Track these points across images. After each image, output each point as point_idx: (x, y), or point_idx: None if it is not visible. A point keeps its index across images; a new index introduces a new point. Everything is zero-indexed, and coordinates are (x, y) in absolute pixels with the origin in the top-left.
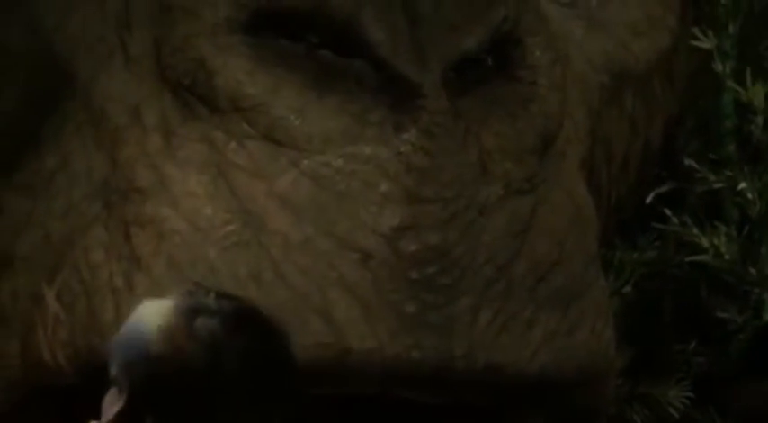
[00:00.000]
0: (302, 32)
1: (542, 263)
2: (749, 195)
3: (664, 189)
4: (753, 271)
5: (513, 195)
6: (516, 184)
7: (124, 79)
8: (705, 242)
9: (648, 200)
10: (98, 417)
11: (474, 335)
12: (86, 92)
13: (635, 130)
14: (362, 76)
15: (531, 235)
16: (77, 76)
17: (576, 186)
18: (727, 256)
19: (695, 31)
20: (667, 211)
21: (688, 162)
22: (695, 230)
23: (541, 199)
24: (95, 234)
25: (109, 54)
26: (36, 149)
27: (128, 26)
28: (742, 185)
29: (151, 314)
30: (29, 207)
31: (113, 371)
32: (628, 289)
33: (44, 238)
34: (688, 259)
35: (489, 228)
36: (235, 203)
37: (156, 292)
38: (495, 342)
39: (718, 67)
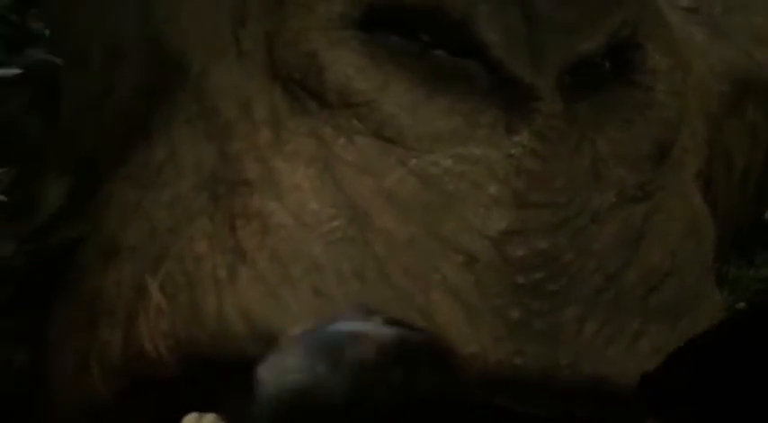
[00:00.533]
0: (415, 30)
1: (654, 273)
2: None
3: None
4: None
5: (627, 203)
6: (630, 192)
7: (236, 73)
8: None
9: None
10: (197, 408)
11: (580, 344)
12: (198, 84)
13: (756, 141)
14: (475, 76)
15: (643, 244)
16: (190, 68)
17: (692, 196)
18: None
19: None
20: None
21: None
22: None
23: (655, 207)
24: (201, 225)
25: (222, 47)
26: (146, 140)
27: (241, 20)
28: None
29: (302, 341)
30: (137, 197)
31: (253, 400)
32: (742, 305)
33: (150, 229)
34: None
35: (600, 235)
36: (341, 199)
37: (259, 285)
38: (600, 353)
39: None
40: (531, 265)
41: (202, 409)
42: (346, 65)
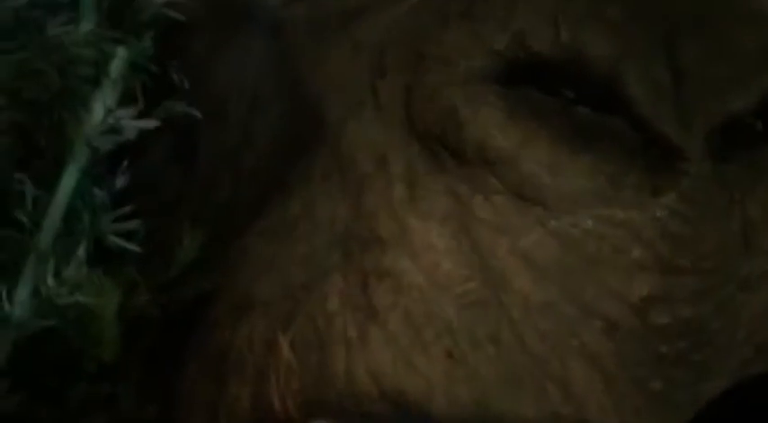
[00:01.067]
0: (558, 86)
1: None
2: None
3: None
4: None
5: None
6: None
7: (373, 126)
8: None
9: None
10: None
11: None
12: (335, 137)
13: None
14: (620, 135)
15: None
16: (327, 121)
17: None
18: None
19: None
20: None
21: None
22: None
23: None
24: (333, 282)
25: (360, 99)
26: (282, 194)
27: (381, 72)
28: None
29: None
30: (271, 252)
31: None
32: None
33: (283, 285)
34: None
35: (750, 304)
36: (476, 259)
37: (390, 347)
38: None
39: None
40: (675, 333)
41: None
42: (486, 121)
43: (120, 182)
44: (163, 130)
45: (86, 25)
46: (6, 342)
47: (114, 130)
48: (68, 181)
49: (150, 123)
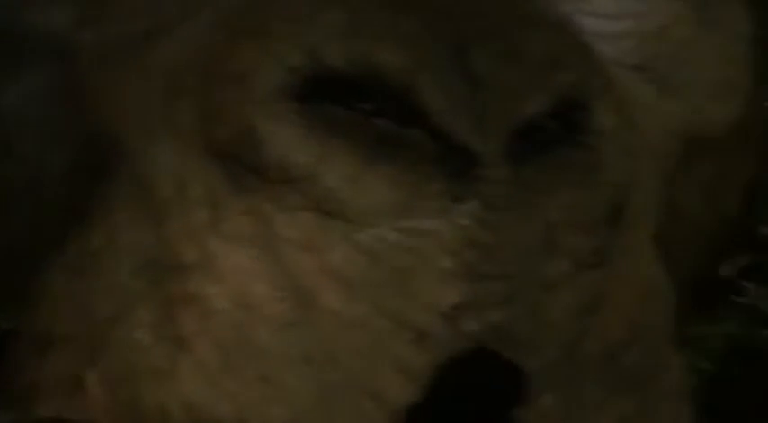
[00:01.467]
0: (356, 100)
1: (613, 342)
2: None
3: (741, 261)
4: None
5: (582, 270)
6: (585, 258)
7: (171, 151)
8: None
9: (725, 271)
10: None
11: (538, 420)
12: (134, 165)
13: (710, 199)
14: (420, 145)
15: (601, 312)
16: (125, 148)
17: (649, 258)
18: None
19: None
20: (745, 284)
21: (763, 230)
22: None
23: (612, 273)
24: (140, 312)
25: (156, 124)
26: (83, 225)
27: (176, 95)
28: None
29: None
30: (74, 286)
31: None
32: (706, 365)
33: (87, 319)
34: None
35: (556, 305)
36: (284, 279)
37: (200, 374)
38: None
39: None
40: (485, 339)
41: None
42: (284, 138)
43: None
44: None
45: None
46: None
47: None
48: None
49: None
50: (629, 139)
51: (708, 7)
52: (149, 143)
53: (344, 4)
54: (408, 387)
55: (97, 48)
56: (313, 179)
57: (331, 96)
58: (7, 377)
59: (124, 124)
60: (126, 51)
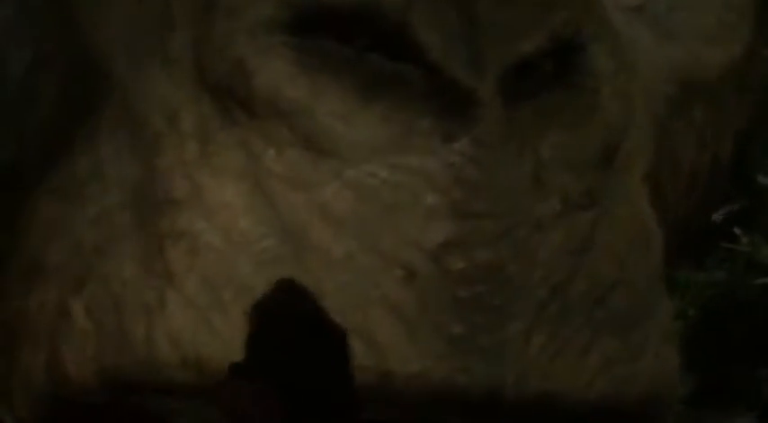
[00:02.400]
0: (350, 34)
1: (602, 283)
2: None
3: (734, 207)
4: None
5: (572, 210)
6: (575, 199)
7: (163, 82)
8: None
9: (717, 218)
10: None
11: (526, 360)
12: (123, 94)
13: (703, 143)
14: (413, 81)
15: (590, 253)
16: (115, 77)
17: (640, 201)
18: None
19: None
20: (737, 231)
21: (761, 179)
22: (767, 251)
23: (602, 214)
24: (127, 246)
25: (148, 54)
26: (70, 152)
27: (169, 25)
28: None
29: None
30: (61, 213)
31: None
32: (693, 311)
33: (74, 248)
34: (758, 281)
35: (545, 245)
36: (273, 216)
37: (188, 310)
38: (548, 369)
39: None
40: (473, 277)
41: None
42: (275, 72)
43: None
44: None
45: None
46: None
47: None
48: None
49: None
50: (625, 81)
51: None
52: (141, 74)
53: None
54: (397, 326)
55: None
56: (303, 114)
57: (325, 30)
58: None
59: (115, 53)
60: None
